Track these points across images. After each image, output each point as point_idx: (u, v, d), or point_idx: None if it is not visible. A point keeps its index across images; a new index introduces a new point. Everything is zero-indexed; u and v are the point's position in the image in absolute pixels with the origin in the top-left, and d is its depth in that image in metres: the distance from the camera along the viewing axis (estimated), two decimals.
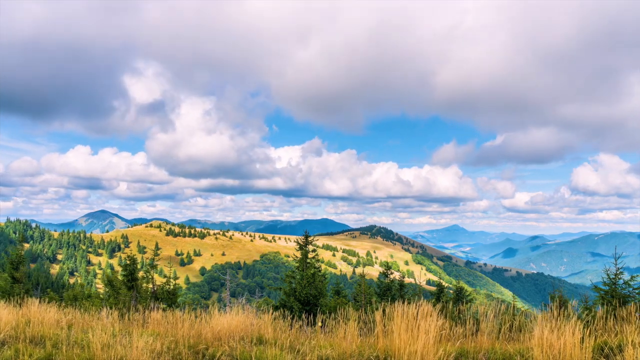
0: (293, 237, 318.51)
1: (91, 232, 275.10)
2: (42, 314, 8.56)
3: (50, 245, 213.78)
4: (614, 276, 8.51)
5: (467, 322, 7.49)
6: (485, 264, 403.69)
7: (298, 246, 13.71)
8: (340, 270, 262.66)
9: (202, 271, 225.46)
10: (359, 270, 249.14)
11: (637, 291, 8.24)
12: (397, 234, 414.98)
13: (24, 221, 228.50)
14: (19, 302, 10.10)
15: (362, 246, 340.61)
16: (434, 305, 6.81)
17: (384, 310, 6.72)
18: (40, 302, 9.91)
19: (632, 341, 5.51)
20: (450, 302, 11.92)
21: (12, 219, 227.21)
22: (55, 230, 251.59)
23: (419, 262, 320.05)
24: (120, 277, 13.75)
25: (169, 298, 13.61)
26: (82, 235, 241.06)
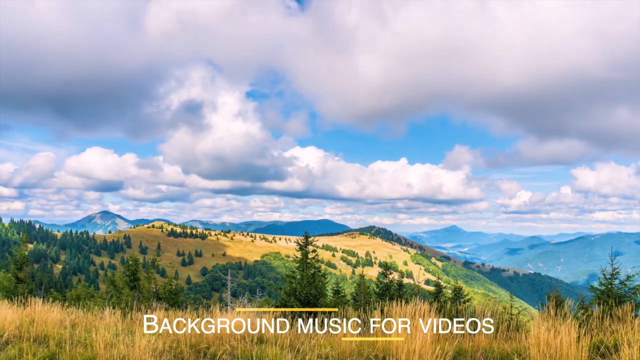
0: (293, 238, 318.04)
1: (94, 233, 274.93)
2: (45, 314, 8.63)
3: (54, 245, 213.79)
4: (610, 276, 8.58)
5: (465, 322, 7.57)
6: (483, 264, 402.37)
7: (298, 246, 13.77)
8: (340, 271, 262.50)
9: (204, 271, 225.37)
10: (358, 270, 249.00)
11: (632, 291, 8.33)
12: (395, 234, 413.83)
13: (27, 222, 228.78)
14: (22, 301, 10.18)
15: (361, 246, 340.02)
16: (432, 304, 6.90)
17: (382, 310, 6.81)
18: (43, 301, 9.98)
19: (627, 340, 5.60)
20: (448, 301, 11.99)
21: (16, 219, 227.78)
22: (59, 231, 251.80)
23: (417, 262, 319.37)
24: (122, 277, 13.85)
25: (170, 298, 13.71)
26: (84, 235, 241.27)
